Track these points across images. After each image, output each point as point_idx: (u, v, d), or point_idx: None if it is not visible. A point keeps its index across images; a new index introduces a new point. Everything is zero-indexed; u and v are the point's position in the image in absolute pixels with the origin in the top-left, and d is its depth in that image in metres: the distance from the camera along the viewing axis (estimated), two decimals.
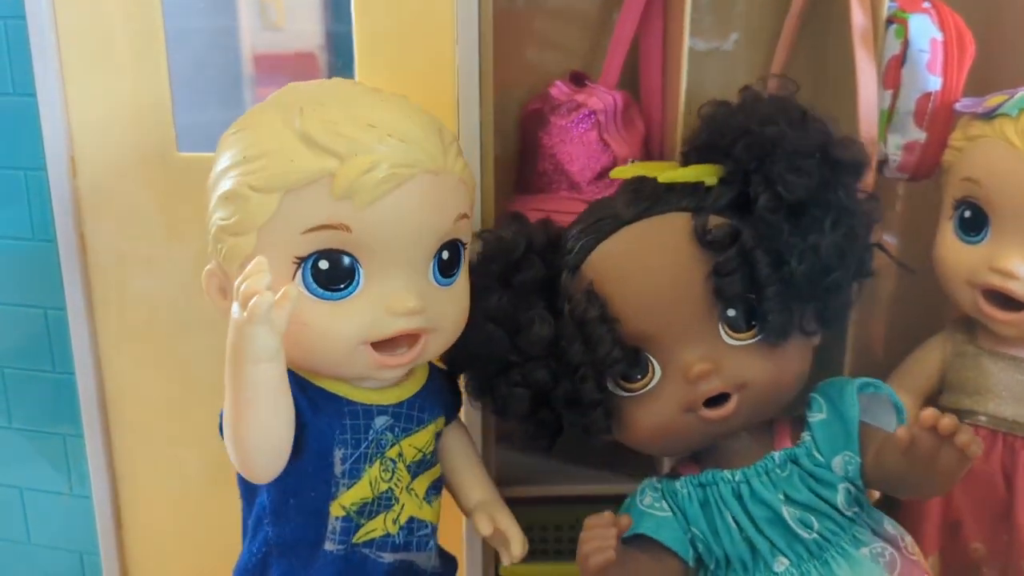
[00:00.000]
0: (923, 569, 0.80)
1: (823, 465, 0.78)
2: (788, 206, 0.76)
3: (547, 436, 0.86)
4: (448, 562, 0.89)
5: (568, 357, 0.78)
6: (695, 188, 0.79)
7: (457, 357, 0.85)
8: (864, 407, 0.81)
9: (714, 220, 0.77)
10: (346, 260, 0.73)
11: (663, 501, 0.81)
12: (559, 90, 1.09)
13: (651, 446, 0.83)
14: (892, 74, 0.94)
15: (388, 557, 0.80)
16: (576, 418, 0.81)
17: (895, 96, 0.95)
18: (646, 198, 0.80)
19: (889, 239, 1.14)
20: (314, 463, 0.76)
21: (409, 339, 0.76)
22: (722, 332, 0.77)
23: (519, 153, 1.14)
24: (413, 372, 0.82)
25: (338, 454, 0.76)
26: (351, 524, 0.78)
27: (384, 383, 0.80)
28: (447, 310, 0.79)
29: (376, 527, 0.79)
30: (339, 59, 1.02)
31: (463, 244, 0.80)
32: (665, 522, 0.80)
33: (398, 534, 0.80)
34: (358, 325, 0.74)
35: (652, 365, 0.78)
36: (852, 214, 0.78)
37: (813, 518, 0.77)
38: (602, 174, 1.03)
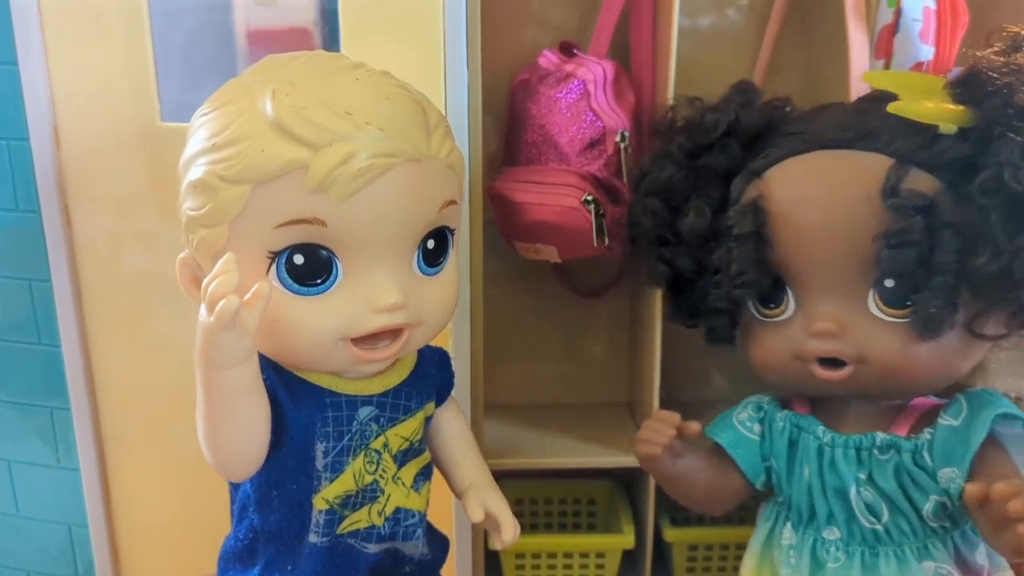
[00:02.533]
0: None
1: (927, 470, 0.73)
2: (1010, 194, 0.65)
3: (684, 317, 0.85)
4: (438, 544, 0.87)
5: (714, 258, 0.77)
6: (924, 130, 0.69)
7: (630, 212, 0.85)
8: (1015, 438, 0.73)
9: (919, 178, 0.67)
10: (323, 254, 0.69)
11: (758, 423, 0.81)
12: (547, 60, 1.08)
13: (762, 374, 0.80)
14: (884, 43, 0.93)
15: (373, 548, 0.78)
16: (703, 317, 0.81)
17: (887, 66, 0.94)
18: (859, 126, 0.71)
19: None
20: (295, 457, 0.73)
21: (391, 333, 0.72)
22: (871, 298, 0.71)
23: (507, 125, 1.13)
24: (399, 360, 0.79)
25: (320, 447, 0.74)
26: (335, 516, 0.76)
27: (368, 373, 0.76)
28: (432, 301, 0.75)
29: (360, 519, 0.77)
30: (333, 34, 1.01)
31: (451, 231, 0.76)
32: (745, 442, 0.80)
33: (383, 526, 0.78)
34: (337, 322, 0.70)
35: (788, 300, 0.75)
36: None
37: (887, 510, 0.74)
38: (592, 145, 1.02)
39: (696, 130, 0.79)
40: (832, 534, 0.76)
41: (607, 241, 0.99)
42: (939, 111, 0.69)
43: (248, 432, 0.69)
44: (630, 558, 1.20)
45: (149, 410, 1.10)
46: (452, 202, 0.74)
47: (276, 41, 1.06)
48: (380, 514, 0.78)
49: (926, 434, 0.73)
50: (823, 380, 0.73)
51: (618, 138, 1.02)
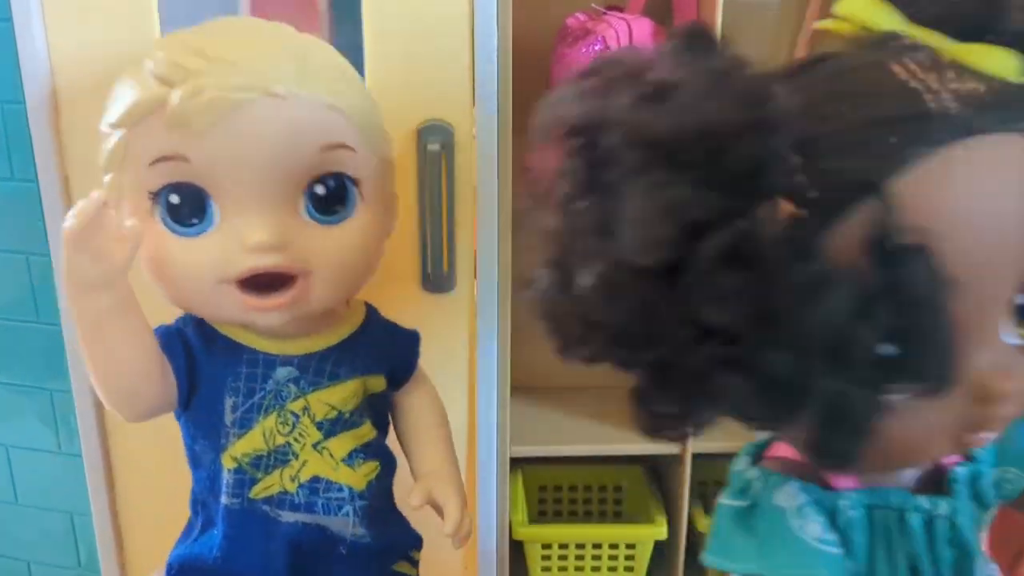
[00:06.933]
0: None
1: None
2: None
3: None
4: (387, 531, 0.83)
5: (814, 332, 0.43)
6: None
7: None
8: None
9: None
10: (197, 193, 0.72)
11: (832, 531, 0.54)
12: (576, 20, 1.05)
13: (892, 463, 0.54)
14: None
15: (288, 517, 0.78)
16: (825, 430, 0.47)
17: None
18: (988, 95, 0.47)
19: None
20: (204, 410, 0.76)
21: (284, 281, 0.73)
22: (1014, 331, 0.49)
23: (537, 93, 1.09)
24: (334, 323, 0.80)
25: (228, 402, 0.76)
26: (244, 477, 0.77)
27: (284, 332, 0.77)
28: (325, 250, 0.74)
29: (273, 483, 0.78)
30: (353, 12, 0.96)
31: (350, 179, 0.75)
32: (836, 563, 0.53)
33: (297, 493, 0.78)
34: (210, 259, 0.72)
35: None
36: None
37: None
38: None
39: (700, 129, 0.43)
40: None
41: None
42: (997, 57, 0.48)
43: (116, 362, 0.73)
44: (661, 549, 1.16)
45: None
46: (341, 146, 0.73)
47: (281, 8, 1.00)
48: (293, 480, 0.78)
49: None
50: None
51: None
